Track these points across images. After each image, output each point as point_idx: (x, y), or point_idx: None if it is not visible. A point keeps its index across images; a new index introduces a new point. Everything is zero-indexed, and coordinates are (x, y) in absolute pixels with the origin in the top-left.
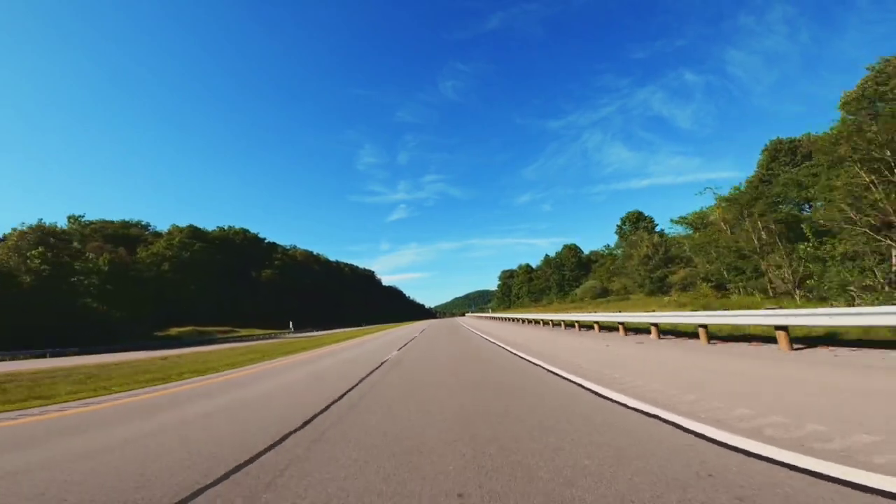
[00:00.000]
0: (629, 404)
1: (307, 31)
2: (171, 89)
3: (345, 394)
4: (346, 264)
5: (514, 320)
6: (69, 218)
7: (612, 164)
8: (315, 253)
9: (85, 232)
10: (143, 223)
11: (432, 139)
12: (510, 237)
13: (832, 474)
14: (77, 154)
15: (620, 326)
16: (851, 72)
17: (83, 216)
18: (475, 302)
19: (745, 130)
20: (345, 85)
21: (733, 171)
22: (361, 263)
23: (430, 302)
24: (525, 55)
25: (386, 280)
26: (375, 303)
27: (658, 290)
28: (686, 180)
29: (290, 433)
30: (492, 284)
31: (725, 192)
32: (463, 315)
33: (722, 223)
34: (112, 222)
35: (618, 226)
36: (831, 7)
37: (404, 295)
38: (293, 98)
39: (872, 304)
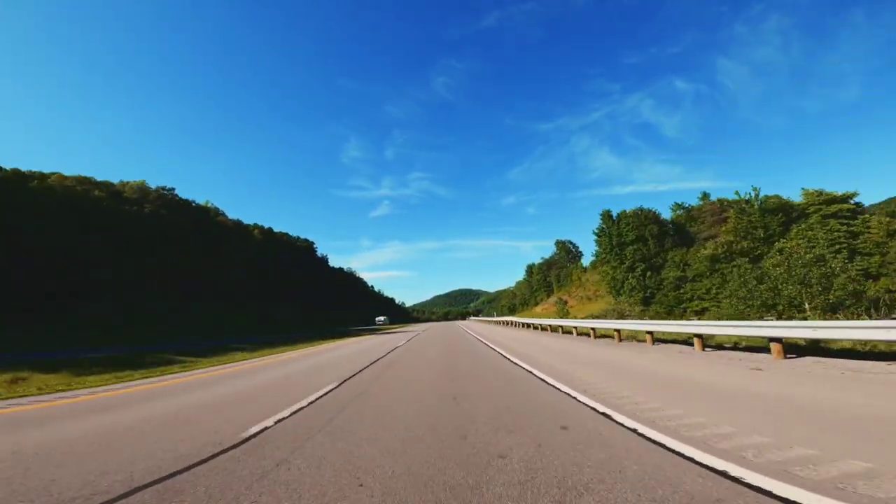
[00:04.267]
0: None
1: (295, 19)
2: (147, 70)
3: None
4: (257, 226)
5: None
6: None
7: (598, 170)
8: (186, 199)
9: None
10: None
11: (420, 136)
12: (494, 239)
13: None
14: (68, 153)
15: None
16: (839, 86)
17: None
18: (458, 301)
19: (728, 141)
20: (332, 75)
21: (713, 181)
22: (341, 258)
23: (408, 300)
24: (519, 56)
25: (367, 277)
26: (312, 294)
27: None
28: (667, 188)
29: None
30: (475, 284)
31: None
32: (461, 318)
33: None
34: None
35: None
36: (826, 19)
37: (367, 286)
38: (277, 86)
39: None
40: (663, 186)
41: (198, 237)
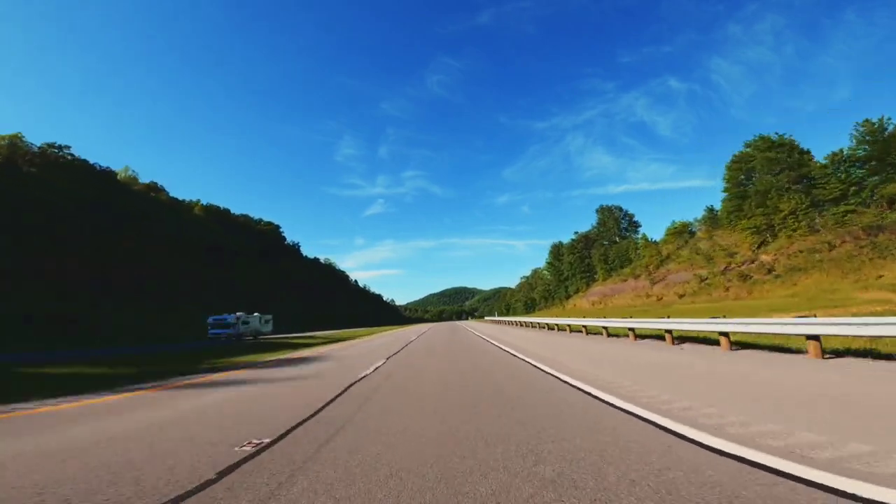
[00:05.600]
0: None
1: (288, 17)
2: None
3: None
4: (199, 203)
5: None
6: None
7: (593, 169)
8: None
9: None
10: None
11: (415, 134)
12: (488, 237)
13: None
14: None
15: None
16: (831, 87)
17: None
18: (452, 300)
19: (721, 142)
20: (328, 72)
21: (706, 180)
22: (336, 257)
23: (402, 299)
24: (515, 54)
25: (361, 276)
26: (265, 287)
27: None
28: (661, 187)
29: None
30: (470, 282)
31: None
32: (457, 317)
33: None
34: None
35: None
36: (820, 20)
37: (350, 280)
38: (269, 83)
39: None
40: (657, 185)
41: (95, 208)
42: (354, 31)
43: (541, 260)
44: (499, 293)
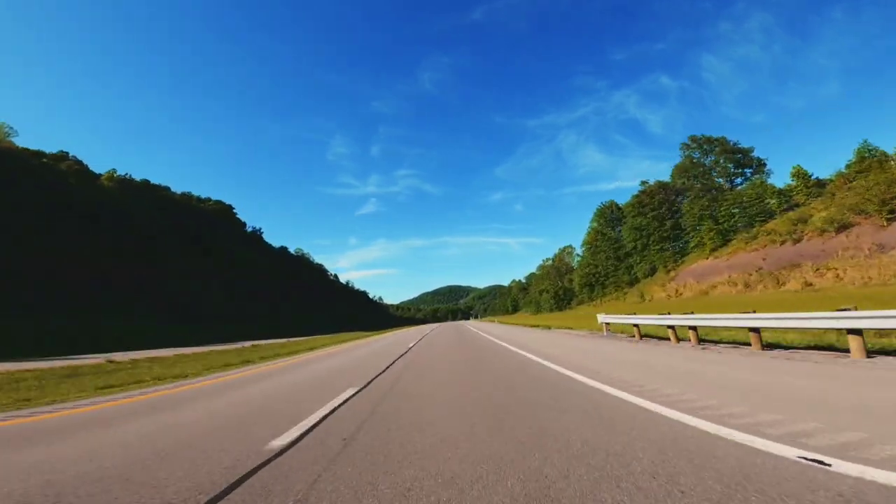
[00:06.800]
0: None
1: (279, 15)
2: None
3: None
4: (113, 173)
5: None
6: None
7: (585, 166)
8: None
9: None
10: None
11: (408, 133)
12: (482, 236)
13: None
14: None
15: None
16: (820, 83)
17: None
18: (446, 298)
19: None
20: (318, 70)
21: None
22: (329, 257)
23: (395, 298)
24: (507, 51)
25: (354, 276)
26: (188, 284)
27: None
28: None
29: None
30: (464, 280)
31: None
32: (452, 316)
33: None
34: None
35: None
36: (808, 17)
37: (328, 275)
38: (261, 80)
39: None
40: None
41: None
42: (345, 28)
43: (536, 258)
44: (494, 291)
